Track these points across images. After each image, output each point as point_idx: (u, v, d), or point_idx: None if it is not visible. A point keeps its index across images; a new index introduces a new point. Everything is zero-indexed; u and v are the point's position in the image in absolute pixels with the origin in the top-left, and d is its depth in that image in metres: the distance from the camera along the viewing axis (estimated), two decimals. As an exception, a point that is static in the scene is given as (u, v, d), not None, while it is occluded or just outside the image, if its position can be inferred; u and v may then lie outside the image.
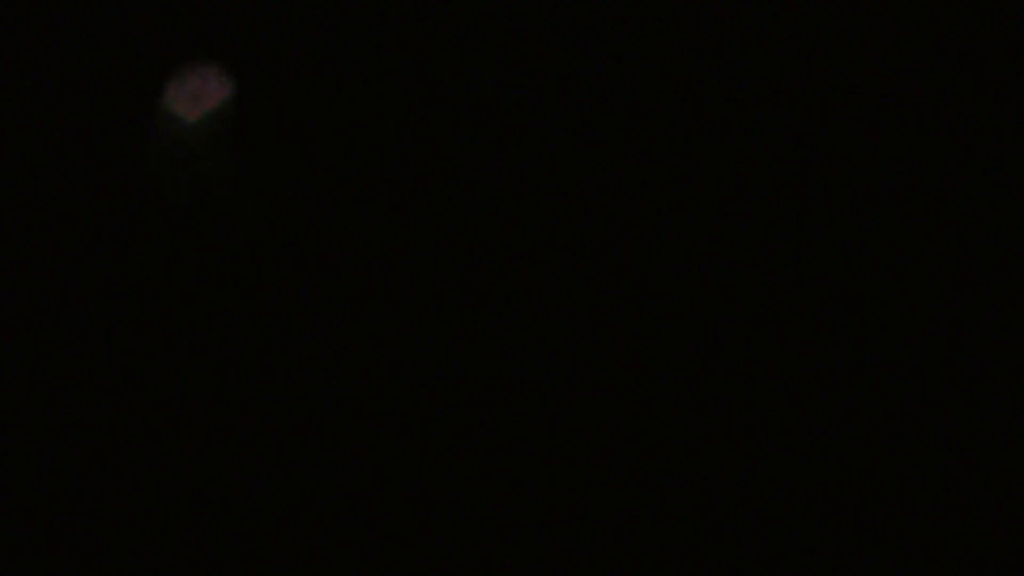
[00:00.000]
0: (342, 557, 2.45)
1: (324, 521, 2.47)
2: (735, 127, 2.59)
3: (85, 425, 2.48)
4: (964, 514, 2.46)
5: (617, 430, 2.51)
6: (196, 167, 2.39)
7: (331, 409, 2.51)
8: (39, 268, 2.53)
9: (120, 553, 2.43)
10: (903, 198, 2.58)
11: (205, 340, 2.52)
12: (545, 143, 2.60)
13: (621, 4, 2.62)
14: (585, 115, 2.61)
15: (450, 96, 2.60)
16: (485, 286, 2.56)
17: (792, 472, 2.49)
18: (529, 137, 2.60)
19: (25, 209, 2.53)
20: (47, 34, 2.56)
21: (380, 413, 2.52)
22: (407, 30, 2.62)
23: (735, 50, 2.60)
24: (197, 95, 2.39)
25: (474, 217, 2.58)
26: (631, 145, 2.60)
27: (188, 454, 2.48)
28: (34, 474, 2.46)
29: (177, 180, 2.39)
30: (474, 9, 2.61)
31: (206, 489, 2.47)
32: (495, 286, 2.56)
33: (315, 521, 2.47)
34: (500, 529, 2.47)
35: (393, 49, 2.62)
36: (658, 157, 2.59)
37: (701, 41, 2.60)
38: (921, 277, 2.55)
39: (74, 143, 2.55)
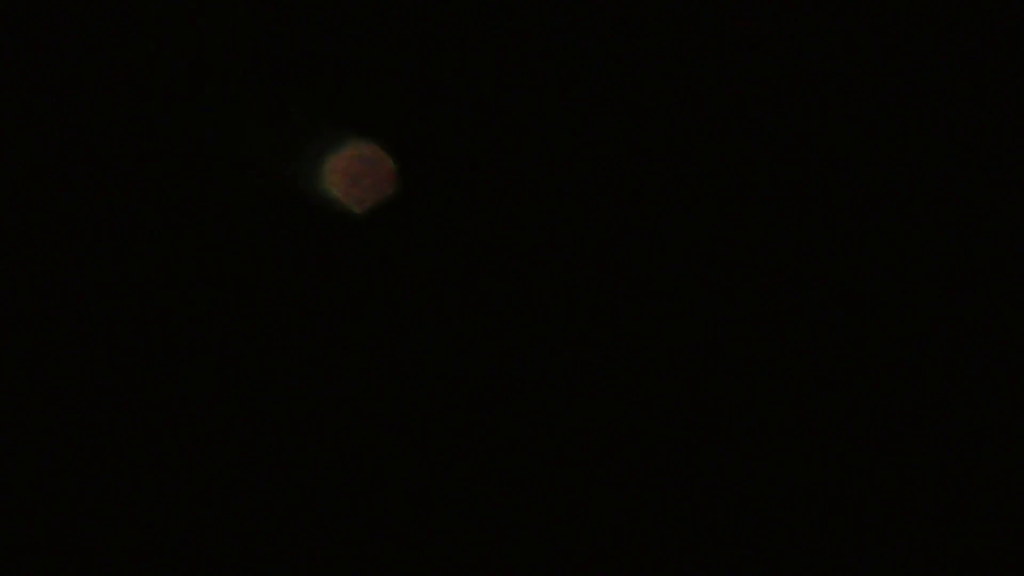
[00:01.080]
0: (342, 557, 2.46)
1: (324, 521, 2.47)
2: (735, 127, 2.59)
3: (86, 423, 2.49)
4: (964, 514, 2.46)
5: (617, 430, 2.51)
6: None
7: (331, 409, 2.52)
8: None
9: (120, 553, 2.43)
10: (903, 198, 2.58)
11: (207, 338, 2.52)
12: (545, 143, 2.60)
13: (621, 4, 2.62)
14: (585, 115, 2.61)
15: (450, 96, 2.61)
16: (485, 286, 2.56)
17: (792, 472, 2.49)
18: (529, 137, 2.60)
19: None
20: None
21: (380, 413, 2.52)
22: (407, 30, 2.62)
23: (735, 50, 2.60)
24: (357, 176, 2.41)
25: (474, 217, 2.58)
26: (631, 145, 2.60)
27: (188, 454, 2.49)
28: (34, 474, 2.46)
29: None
30: (474, 9, 2.61)
31: (206, 489, 2.47)
32: (495, 286, 2.56)
33: (315, 521, 2.47)
34: (500, 529, 2.47)
35: (394, 49, 2.62)
36: (658, 157, 2.59)
37: (701, 41, 2.60)
38: (921, 277, 2.55)
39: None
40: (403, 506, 2.49)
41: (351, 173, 2.40)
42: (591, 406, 2.52)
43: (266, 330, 2.53)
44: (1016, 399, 2.50)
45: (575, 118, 2.60)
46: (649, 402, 2.52)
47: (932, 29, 2.59)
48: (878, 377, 2.52)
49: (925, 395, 2.51)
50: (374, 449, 2.51)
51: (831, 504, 2.48)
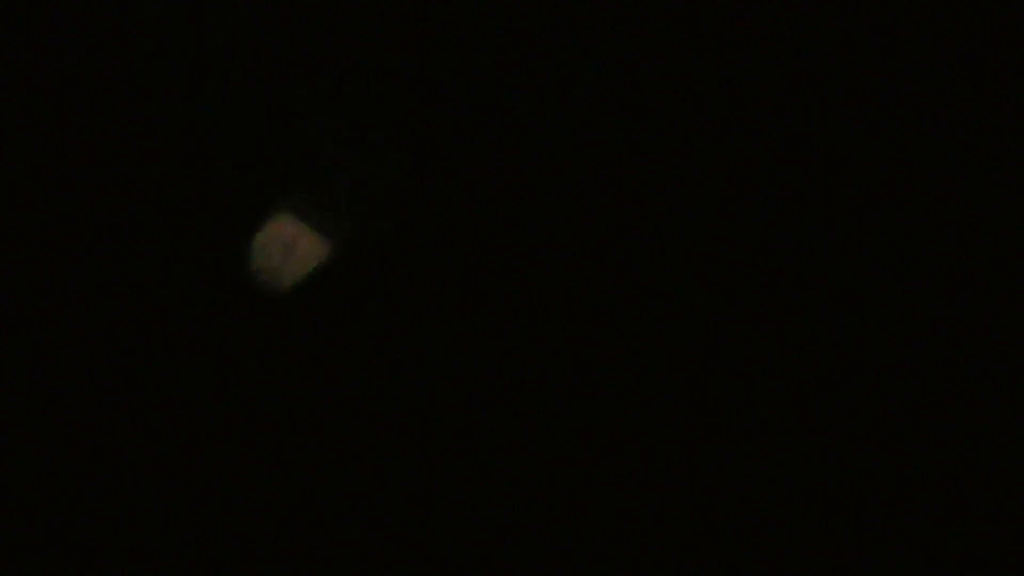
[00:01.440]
0: (342, 557, 2.46)
1: (324, 521, 2.47)
2: (735, 127, 2.59)
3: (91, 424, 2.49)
4: (964, 514, 2.46)
5: (617, 430, 2.51)
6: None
7: (331, 410, 2.52)
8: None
9: (120, 553, 2.43)
10: (903, 198, 2.58)
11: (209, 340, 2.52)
12: (545, 143, 2.60)
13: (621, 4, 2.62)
14: (585, 115, 2.61)
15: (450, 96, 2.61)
16: (485, 286, 2.56)
17: (792, 472, 2.49)
18: (529, 137, 2.60)
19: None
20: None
21: (380, 414, 2.52)
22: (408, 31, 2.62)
23: (735, 50, 2.61)
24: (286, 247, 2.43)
25: (474, 217, 2.58)
26: (631, 145, 2.60)
27: (189, 454, 2.49)
28: (35, 474, 2.46)
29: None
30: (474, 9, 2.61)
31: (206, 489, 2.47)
32: (495, 286, 2.56)
33: (315, 521, 2.47)
34: (500, 529, 2.47)
35: (395, 49, 2.62)
36: (658, 157, 2.59)
37: (701, 41, 2.61)
38: (921, 277, 2.55)
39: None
40: (403, 506, 2.49)
41: (279, 248, 2.43)
42: (591, 406, 2.53)
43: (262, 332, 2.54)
44: (1016, 399, 2.50)
45: (577, 124, 2.61)
46: (649, 402, 2.52)
47: (932, 29, 2.59)
48: (878, 377, 2.52)
49: (925, 395, 2.52)
50: (374, 450, 2.51)
51: (831, 504, 2.48)
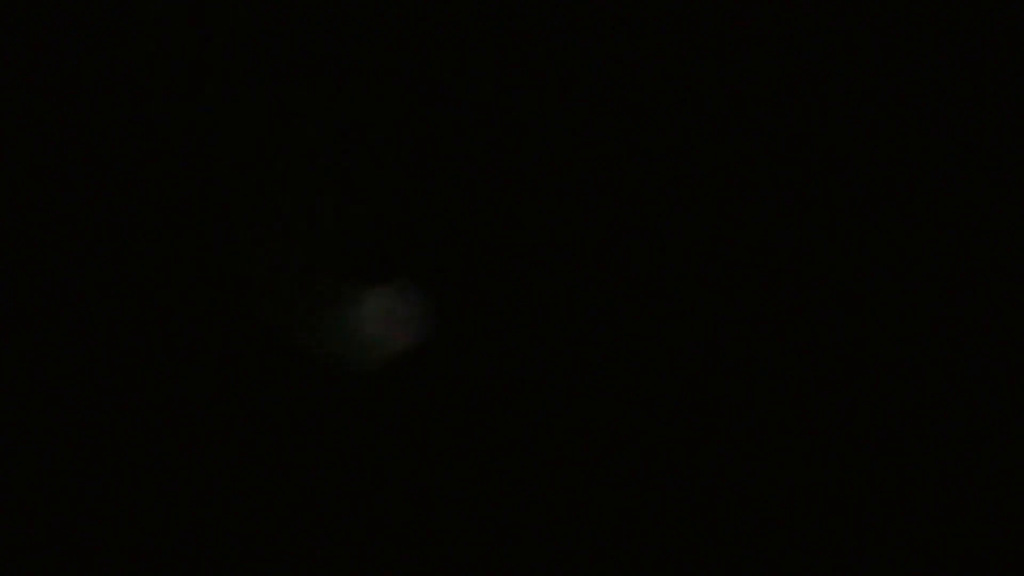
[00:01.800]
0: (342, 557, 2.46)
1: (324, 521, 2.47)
2: (735, 127, 2.59)
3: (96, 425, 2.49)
4: (964, 514, 2.46)
5: (617, 431, 2.51)
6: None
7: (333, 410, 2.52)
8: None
9: (120, 553, 2.44)
10: (903, 198, 2.58)
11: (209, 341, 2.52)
12: (545, 143, 2.60)
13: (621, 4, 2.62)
14: (585, 115, 2.61)
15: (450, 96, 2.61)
16: (485, 286, 2.56)
17: (792, 472, 2.49)
18: (529, 137, 2.60)
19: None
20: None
21: (381, 414, 2.52)
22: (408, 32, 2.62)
23: (735, 50, 2.60)
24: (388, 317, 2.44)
25: (474, 217, 2.58)
26: (631, 145, 2.60)
27: (191, 454, 2.49)
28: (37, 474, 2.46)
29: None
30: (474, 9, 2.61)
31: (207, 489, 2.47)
32: (495, 286, 2.56)
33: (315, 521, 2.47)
34: (500, 529, 2.47)
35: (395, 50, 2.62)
36: (658, 157, 2.59)
37: (701, 41, 2.61)
38: (921, 277, 2.55)
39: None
40: (403, 506, 2.49)
41: (383, 315, 2.44)
42: (591, 407, 2.53)
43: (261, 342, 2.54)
44: (1016, 399, 2.50)
45: (579, 130, 2.61)
46: (649, 402, 2.53)
47: (932, 29, 2.59)
48: (878, 377, 2.52)
49: (925, 395, 2.52)
50: (374, 450, 2.51)
51: (831, 504, 2.48)
